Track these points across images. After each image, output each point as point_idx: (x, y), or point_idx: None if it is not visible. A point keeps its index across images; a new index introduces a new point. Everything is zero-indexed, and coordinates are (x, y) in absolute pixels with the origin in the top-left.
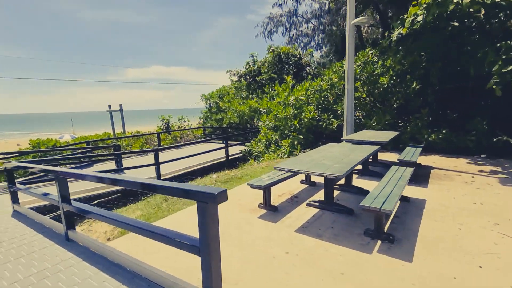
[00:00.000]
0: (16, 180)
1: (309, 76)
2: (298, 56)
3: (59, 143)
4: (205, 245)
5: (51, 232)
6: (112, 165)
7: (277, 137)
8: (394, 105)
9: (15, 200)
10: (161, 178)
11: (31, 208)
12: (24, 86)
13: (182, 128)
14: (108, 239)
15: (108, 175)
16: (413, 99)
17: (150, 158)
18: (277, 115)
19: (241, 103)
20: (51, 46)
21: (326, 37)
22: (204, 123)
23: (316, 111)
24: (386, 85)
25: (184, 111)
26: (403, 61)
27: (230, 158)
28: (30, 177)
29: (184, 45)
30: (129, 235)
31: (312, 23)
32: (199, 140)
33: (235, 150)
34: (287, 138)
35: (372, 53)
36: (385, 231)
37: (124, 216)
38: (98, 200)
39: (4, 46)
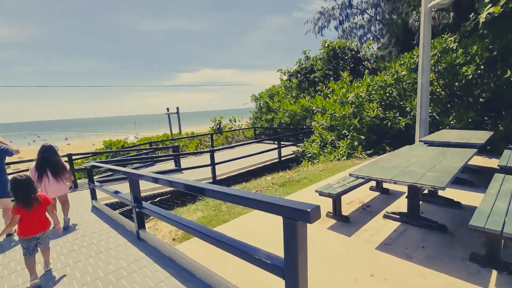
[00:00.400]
0: (95, 177)
1: (366, 71)
2: (355, 49)
3: (126, 143)
4: (292, 268)
5: (124, 230)
6: (170, 164)
7: (333, 137)
8: (480, 100)
9: (93, 196)
10: (217, 178)
11: (106, 204)
12: (95, 93)
13: (233, 128)
14: (174, 239)
15: (184, 180)
16: (506, 91)
17: (204, 159)
18: (333, 114)
19: (292, 102)
20: (116, 56)
21: (385, 28)
22: (254, 123)
23: (380, 108)
24: (470, 76)
25: (232, 112)
26: (490, 46)
27: (283, 159)
28: (104, 175)
29: (232, 47)
30: (194, 238)
31: (367, 13)
32: (252, 140)
33: (287, 151)
34: (345, 139)
35: (452, 40)
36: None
37: (194, 222)
38: (159, 198)
39: (78, 58)
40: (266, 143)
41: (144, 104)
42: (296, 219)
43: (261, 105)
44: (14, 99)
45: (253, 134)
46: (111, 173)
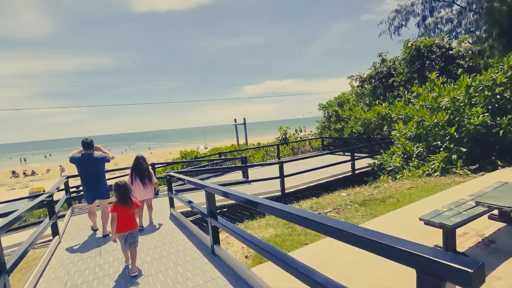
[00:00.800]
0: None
1: (460, 70)
2: (447, 46)
3: (198, 153)
4: None
5: (199, 242)
6: (238, 175)
7: (421, 149)
8: None
9: (171, 204)
10: (285, 191)
11: (181, 213)
12: (173, 107)
13: (299, 138)
14: (246, 256)
15: (264, 201)
16: None
17: (272, 170)
18: (421, 122)
19: (366, 110)
20: (190, 74)
21: (483, 17)
22: (321, 133)
23: (487, 114)
24: None
25: (296, 121)
26: None
27: (356, 172)
28: (179, 182)
29: (295, 57)
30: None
31: (457, 4)
32: (322, 152)
33: (361, 163)
34: (440, 151)
35: None
36: None
37: (270, 246)
38: (228, 208)
39: (161, 78)
40: (337, 155)
41: (212, 116)
42: (444, 278)
43: (330, 114)
44: (111, 115)
45: (320, 145)
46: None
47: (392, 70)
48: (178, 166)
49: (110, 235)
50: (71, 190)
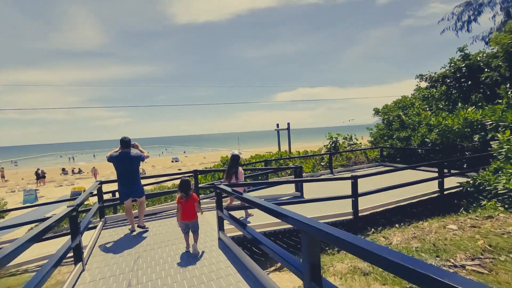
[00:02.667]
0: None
1: None
2: None
3: (241, 160)
4: None
5: (251, 276)
6: (288, 188)
7: None
8: None
9: (220, 226)
10: (359, 214)
11: (232, 238)
12: (207, 113)
13: (352, 147)
14: None
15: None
16: None
17: (327, 185)
18: None
19: (444, 115)
20: (226, 82)
21: None
22: (377, 141)
23: None
24: None
25: (330, 129)
26: None
27: (445, 192)
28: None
29: (330, 64)
30: None
31: None
32: (399, 167)
33: (448, 182)
34: None
35: None
36: None
37: None
38: (279, 235)
39: (200, 85)
40: (422, 170)
41: (245, 122)
42: None
43: (391, 119)
44: (151, 120)
45: (379, 155)
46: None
47: (482, 65)
48: (220, 173)
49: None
50: (106, 197)
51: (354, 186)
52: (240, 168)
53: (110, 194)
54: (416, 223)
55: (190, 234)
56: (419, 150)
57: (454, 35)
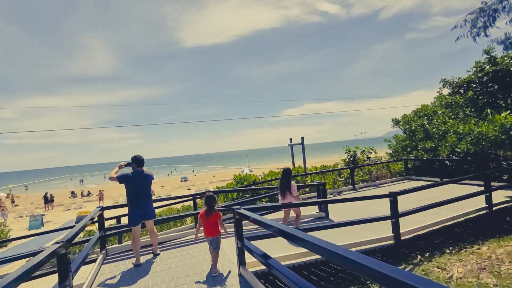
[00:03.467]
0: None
1: None
2: None
3: (256, 178)
4: None
5: None
6: (310, 208)
7: None
8: None
9: (241, 260)
10: (401, 238)
11: (255, 273)
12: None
13: (371, 160)
14: None
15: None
16: None
17: (353, 204)
18: None
19: (473, 122)
20: (233, 100)
21: None
22: (397, 154)
23: None
24: None
25: (340, 144)
26: None
27: (494, 209)
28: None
29: (335, 80)
30: None
31: None
32: (437, 181)
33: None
34: None
35: None
36: None
37: None
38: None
39: (206, 104)
40: (465, 184)
41: (252, 140)
42: None
43: (414, 129)
44: (161, 140)
45: (403, 168)
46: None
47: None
48: (234, 194)
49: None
50: (108, 224)
51: (394, 204)
52: (293, 182)
53: (115, 220)
54: (471, 248)
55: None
56: (447, 162)
57: (463, 44)
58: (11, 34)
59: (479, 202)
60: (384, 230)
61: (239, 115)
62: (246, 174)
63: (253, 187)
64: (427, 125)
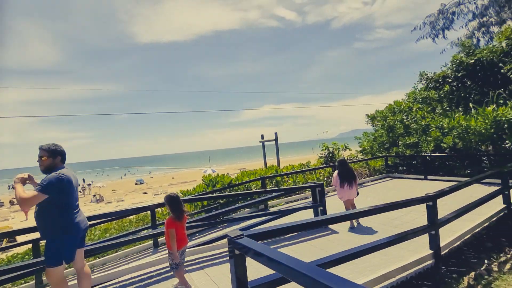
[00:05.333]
0: None
1: None
2: None
3: (229, 178)
4: None
5: None
6: (305, 214)
7: None
8: None
9: None
10: (441, 253)
11: None
12: (172, 132)
13: (347, 158)
14: None
15: None
16: None
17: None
18: None
19: (460, 116)
20: (190, 100)
21: None
22: (373, 151)
23: None
24: None
25: (298, 144)
26: None
27: None
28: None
29: (292, 83)
30: None
31: None
32: (462, 180)
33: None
34: None
35: None
36: None
37: None
38: None
39: (163, 104)
40: (485, 184)
41: (211, 141)
42: None
43: (392, 124)
44: (113, 140)
45: (383, 165)
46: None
47: (496, 60)
48: (204, 202)
49: None
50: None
51: (432, 210)
52: (335, 173)
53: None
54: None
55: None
56: (429, 158)
57: (407, 55)
58: None
59: (495, 202)
60: (412, 245)
61: (197, 115)
62: (218, 175)
63: (240, 191)
64: (405, 120)
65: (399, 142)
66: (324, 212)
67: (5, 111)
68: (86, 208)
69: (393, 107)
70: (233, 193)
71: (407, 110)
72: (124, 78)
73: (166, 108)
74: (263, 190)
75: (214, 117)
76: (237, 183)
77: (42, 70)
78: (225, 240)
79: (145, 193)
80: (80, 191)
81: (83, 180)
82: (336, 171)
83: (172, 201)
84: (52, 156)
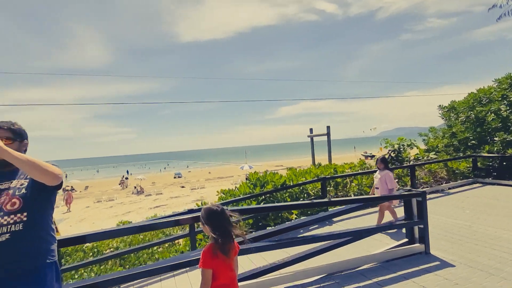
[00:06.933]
0: None
1: None
2: None
3: (280, 178)
4: None
5: None
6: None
7: None
8: None
9: None
10: None
11: None
12: (209, 128)
13: (413, 158)
14: None
15: None
16: None
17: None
18: None
19: None
20: (228, 96)
21: None
22: (448, 150)
23: None
24: None
25: (338, 142)
26: None
27: None
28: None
29: (330, 79)
30: None
31: None
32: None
33: None
34: None
35: None
36: None
37: None
38: None
39: (202, 99)
40: None
41: (247, 137)
42: None
43: (481, 117)
44: (154, 135)
45: (469, 168)
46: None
47: None
48: (249, 202)
49: None
50: None
51: None
52: (389, 173)
53: None
54: None
55: None
56: None
57: (456, 45)
58: (2, 25)
59: None
60: None
61: (234, 111)
62: (267, 172)
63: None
64: (503, 111)
65: (496, 138)
66: (424, 232)
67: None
68: (127, 199)
69: (479, 96)
70: (306, 202)
71: (499, 99)
72: (166, 76)
73: (206, 104)
74: (343, 199)
75: (250, 114)
76: (291, 184)
77: (95, 69)
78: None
79: (183, 187)
80: (119, 184)
81: (127, 171)
82: (389, 171)
83: (213, 218)
84: (19, 139)
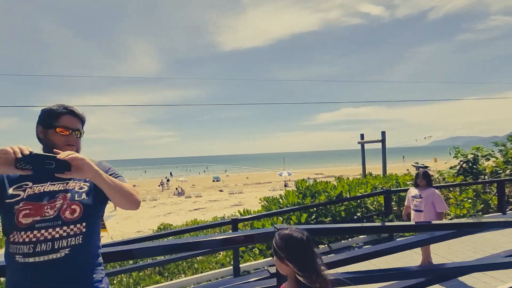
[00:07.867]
0: None
1: None
2: None
3: (338, 189)
4: None
5: None
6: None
7: None
8: None
9: None
10: None
11: None
12: (246, 133)
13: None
14: None
15: None
16: None
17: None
18: None
19: None
20: (266, 105)
21: None
22: None
23: None
24: None
25: (396, 150)
26: None
27: None
28: None
29: (375, 84)
30: None
31: None
32: None
33: None
34: None
35: None
36: None
37: None
38: None
39: (236, 107)
40: None
41: (284, 143)
42: None
43: None
44: (195, 139)
45: None
46: None
47: None
48: (298, 214)
49: None
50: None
51: None
52: (436, 192)
53: None
54: None
55: None
56: None
57: None
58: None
59: None
60: None
61: (272, 117)
62: (316, 181)
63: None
64: None
65: None
66: None
67: (118, 112)
68: (169, 200)
69: None
70: (394, 224)
71: None
72: (209, 83)
73: (244, 110)
74: (449, 222)
75: (288, 121)
76: (347, 196)
77: (146, 78)
78: None
79: (221, 190)
80: (159, 186)
81: (170, 173)
82: (435, 190)
83: (299, 250)
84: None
